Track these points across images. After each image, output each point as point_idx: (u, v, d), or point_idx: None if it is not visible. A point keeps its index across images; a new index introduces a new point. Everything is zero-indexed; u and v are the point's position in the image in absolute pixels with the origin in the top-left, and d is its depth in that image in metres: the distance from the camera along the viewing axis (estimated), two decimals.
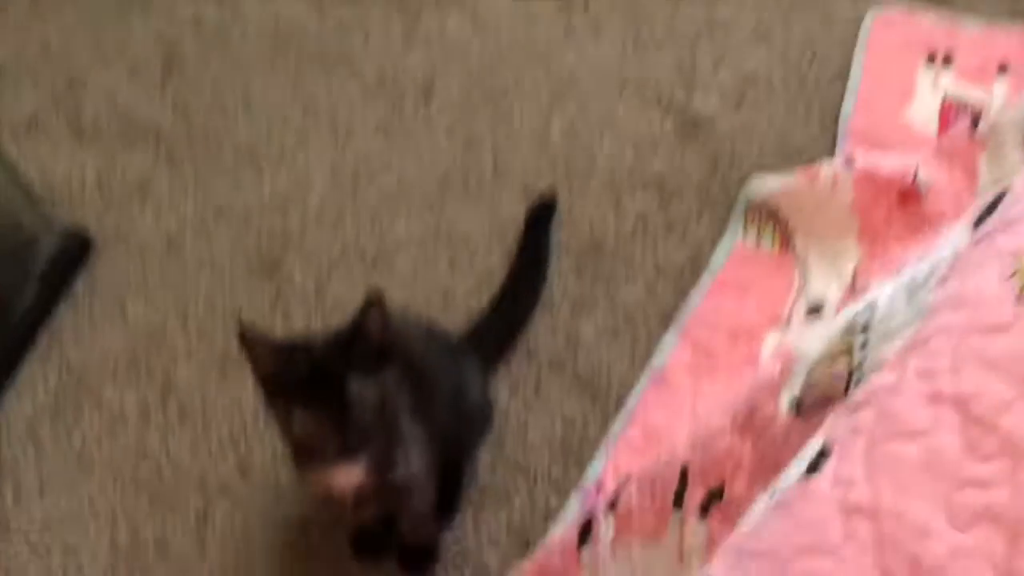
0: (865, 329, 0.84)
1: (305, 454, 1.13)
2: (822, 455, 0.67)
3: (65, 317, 1.58)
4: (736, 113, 1.70)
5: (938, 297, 0.74)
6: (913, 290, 0.82)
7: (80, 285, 1.61)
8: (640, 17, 1.85)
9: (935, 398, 0.65)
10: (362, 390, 1.05)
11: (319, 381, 1.05)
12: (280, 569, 1.31)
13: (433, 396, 1.22)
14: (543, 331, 1.49)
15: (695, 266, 1.53)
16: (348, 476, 1.12)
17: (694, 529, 0.94)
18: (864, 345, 0.82)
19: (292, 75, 1.86)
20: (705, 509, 0.94)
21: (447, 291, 1.55)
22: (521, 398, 1.43)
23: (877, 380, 0.69)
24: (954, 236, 0.85)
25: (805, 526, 0.62)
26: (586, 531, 1.09)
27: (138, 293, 1.60)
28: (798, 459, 0.71)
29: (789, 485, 0.67)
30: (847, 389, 0.80)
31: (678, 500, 0.98)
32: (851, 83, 1.69)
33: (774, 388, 0.92)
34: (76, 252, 1.62)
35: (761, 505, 0.70)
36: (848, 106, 1.66)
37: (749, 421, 0.93)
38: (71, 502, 1.40)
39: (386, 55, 1.87)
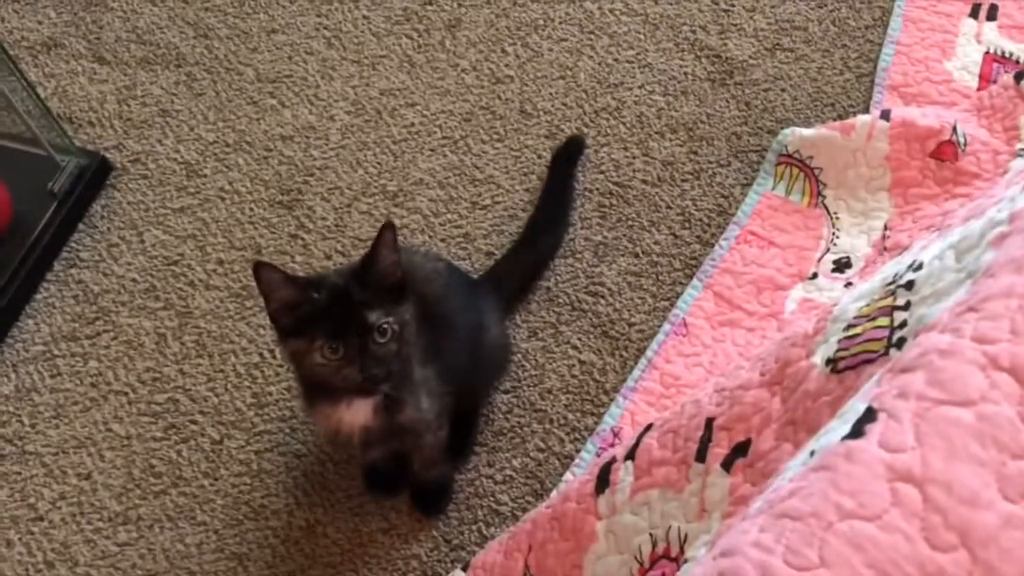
0: (909, 288, 0.82)
1: (316, 391, 1.12)
2: (868, 418, 0.65)
3: (83, 241, 1.57)
4: (771, 59, 1.66)
5: (997, 258, 0.71)
6: (963, 250, 0.79)
7: (98, 209, 1.60)
8: None
9: (992, 364, 0.63)
10: (381, 322, 1.05)
11: (336, 314, 1.04)
12: (294, 502, 1.32)
13: (449, 335, 1.21)
14: (565, 275, 1.47)
15: (722, 214, 1.51)
16: (357, 415, 1.11)
17: (716, 483, 0.93)
18: (907, 306, 0.80)
19: (317, 3, 1.82)
20: (729, 463, 0.93)
21: (468, 231, 1.52)
22: (540, 342, 1.42)
23: (928, 342, 0.67)
24: (1009, 195, 0.82)
25: (849, 490, 0.60)
26: (603, 478, 1.08)
27: (156, 219, 1.58)
28: (839, 419, 0.69)
29: (830, 446, 0.65)
30: (887, 350, 0.78)
31: (701, 453, 0.97)
32: (890, 32, 1.64)
33: (808, 344, 0.90)
34: (95, 175, 1.60)
35: (798, 463, 0.69)
36: (886, 56, 1.61)
37: (779, 376, 0.91)
38: (86, 427, 1.40)
39: None
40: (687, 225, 1.51)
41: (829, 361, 0.86)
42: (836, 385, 0.83)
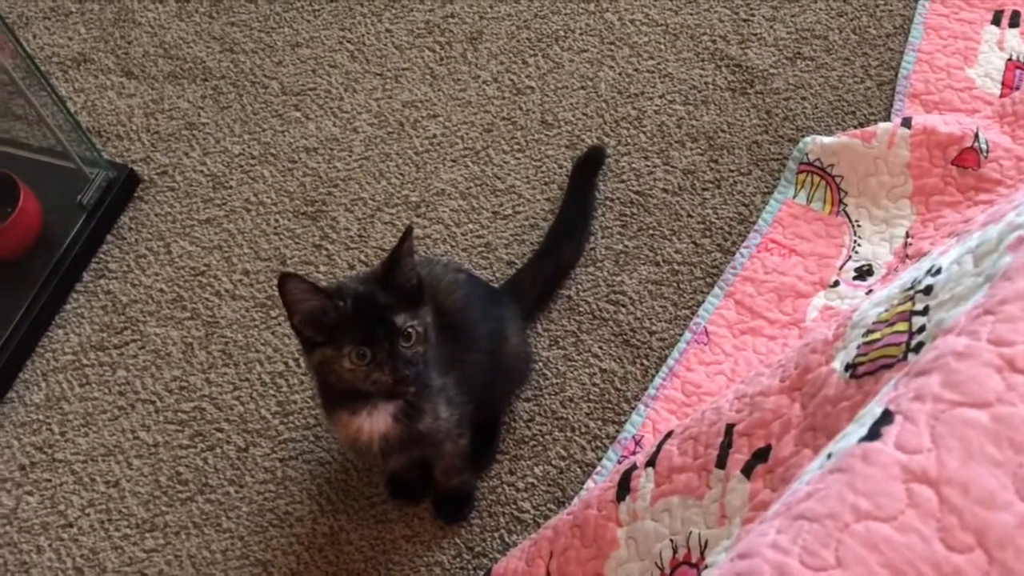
0: (928, 293, 0.82)
1: (336, 399, 1.14)
2: (884, 421, 0.65)
3: (111, 252, 1.59)
4: (791, 68, 1.66)
5: (1015, 262, 0.71)
6: (981, 255, 0.79)
7: (126, 221, 1.63)
8: None
9: (1008, 366, 0.63)
10: (407, 325, 1.06)
11: (364, 320, 1.05)
12: (318, 509, 1.33)
13: (470, 345, 1.22)
14: (586, 284, 1.48)
15: (742, 223, 1.51)
16: (377, 423, 1.12)
17: (736, 489, 0.93)
18: (926, 311, 0.80)
19: (341, 17, 1.84)
20: (749, 469, 0.93)
21: (489, 240, 1.54)
22: (561, 350, 1.42)
23: (944, 345, 0.67)
24: None
25: (866, 491, 0.61)
26: (624, 485, 1.09)
27: (183, 231, 1.61)
28: (856, 423, 0.69)
29: (847, 448, 0.65)
30: (906, 355, 0.78)
31: (721, 459, 0.97)
32: (911, 40, 1.64)
33: (827, 350, 0.90)
34: (123, 187, 1.63)
35: (815, 467, 0.69)
36: (908, 64, 1.61)
37: (799, 382, 0.92)
38: (114, 435, 1.42)
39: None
40: (708, 233, 1.51)
41: (848, 367, 0.86)
42: (855, 390, 0.83)
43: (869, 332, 0.87)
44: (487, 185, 1.60)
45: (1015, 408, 0.60)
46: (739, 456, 0.95)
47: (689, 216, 1.54)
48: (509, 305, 1.36)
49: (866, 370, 0.83)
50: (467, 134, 1.67)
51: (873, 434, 0.65)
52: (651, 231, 1.53)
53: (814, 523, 0.62)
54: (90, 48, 1.85)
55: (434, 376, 1.14)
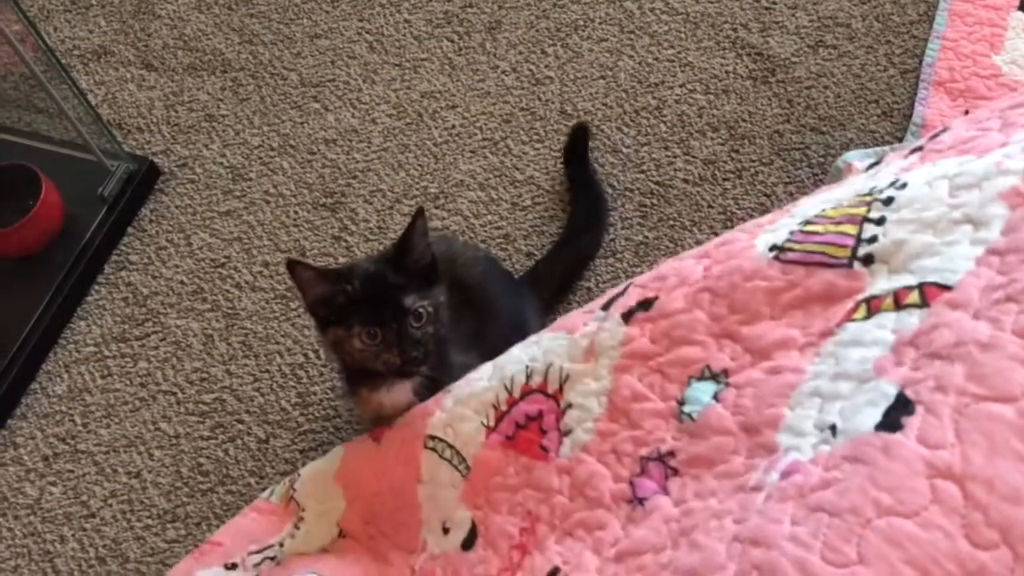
0: (887, 204, 0.80)
1: (357, 376, 1.14)
2: (904, 409, 0.64)
3: (132, 244, 1.60)
4: (813, 57, 1.64)
5: (1018, 228, 0.70)
6: (959, 186, 0.78)
7: (147, 213, 1.63)
8: None
9: None
10: (416, 305, 1.07)
11: (373, 301, 1.06)
12: None
13: (491, 319, 1.22)
14: (605, 275, 1.47)
15: (764, 214, 1.49)
16: (398, 397, 1.13)
17: (611, 329, 0.93)
18: (881, 221, 0.79)
19: (359, 8, 1.84)
20: (629, 315, 0.93)
21: (508, 232, 1.53)
22: None
23: (962, 328, 0.66)
24: (1018, 139, 0.80)
25: (887, 486, 0.60)
26: None
27: (203, 223, 1.61)
28: (865, 399, 0.68)
29: (864, 434, 0.64)
30: (851, 262, 0.78)
31: (607, 305, 0.98)
32: (936, 28, 1.62)
33: (755, 231, 0.90)
34: (143, 180, 1.64)
35: (825, 448, 0.68)
36: (932, 51, 1.59)
37: (712, 251, 0.92)
38: (136, 427, 1.43)
39: None
40: (729, 224, 1.50)
41: (774, 247, 0.86)
42: (778, 273, 0.82)
43: (808, 223, 0.85)
44: (506, 176, 1.60)
45: None
46: (625, 302, 0.94)
47: (710, 207, 1.52)
48: (528, 295, 1.36)
49: (796, 258, 0.82)
50: (486, 125, 1.66)
51: (893, 424, 0.64)
52: (672, 222, 1.52)
53: (835, 517, 0.61)
54: (110, 41, 1.85)
55: (453, 353, 1.15)
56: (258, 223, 1.60)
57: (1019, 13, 1.60)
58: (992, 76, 1.54)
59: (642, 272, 1.45)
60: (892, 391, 0.67)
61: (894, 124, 1.55)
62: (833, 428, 0.69)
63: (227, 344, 1.48)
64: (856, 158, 1.45)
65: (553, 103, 1.67)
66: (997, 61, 1.55)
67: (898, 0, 1.69)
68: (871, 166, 1.41)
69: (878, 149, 1.44)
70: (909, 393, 0.65)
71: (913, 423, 0.63)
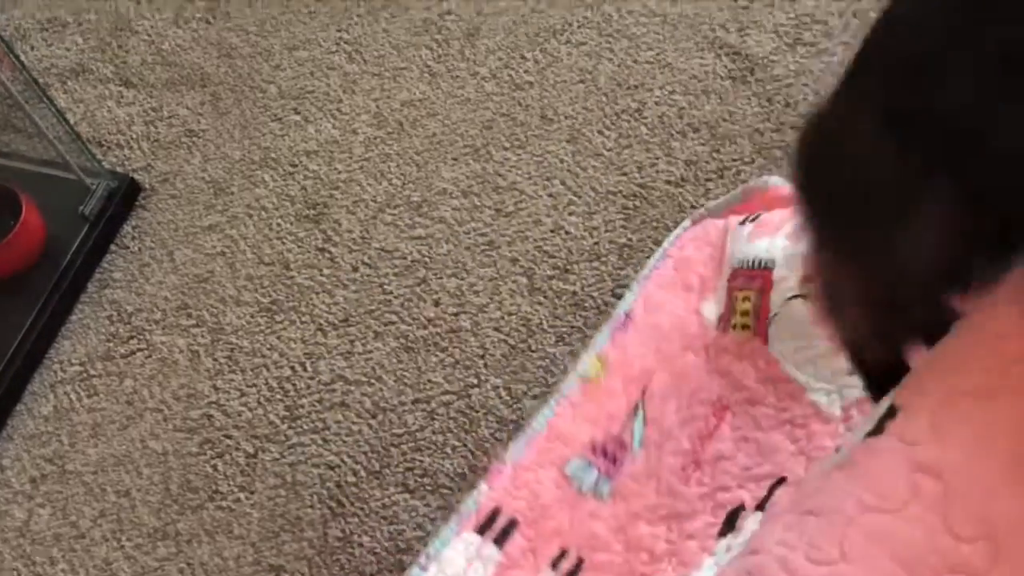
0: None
1: None
2: (889, 415, 0.64)
3: (115, 262, 1.60)
4: (791, 54, 1.65)
5: None
6: None
7: (129, 230, 1.63)
8: None
9: (1016, 361, 0.61)
10: None
11: None
12: (329, 513, 1.33)
13: None
14: (590, 279, 1.47)
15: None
16: None
17: None
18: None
19: (337, 18, 1.83)
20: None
21: (492, 238, 1.53)
22: (568, 346, 1.42)
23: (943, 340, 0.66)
24: None
25: (870, 484, 0.60)
26: None
27: (186, 238, 1.61)
28: (867, 417, 0.68)
29: (854, 443, 0.65)
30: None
31: None
32: None
33: None
34: (124, 197, 1.63)
35: (826, 464, 0.68)
36: None
37: None
38: (123, 445, 1.42)
39: None
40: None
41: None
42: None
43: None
44: (488, 183, 1.60)
45: (1017, 398, 0.59)
46: None
47: (693, 207, 1.52)
48: None
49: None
50: (467, 131, 1.66)
51: (878, 428, 0.64)
52: (655, 223, 1.52)
53: (820, 518, 0.61)
54: (88, 58, 1.85)
55: None
56: (241, 237, 1.59)
57: None
58: None
59: (626, 275, 1.46)
60: (886, 404, 0.67)
61: None
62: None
63: (213, 359, 1.48)
64: None
65: (534, 108, 1.67)
66: None
67: None
68: None
69: None
70: (896, 402, 0.65)
71: (895, 424, 0.63)
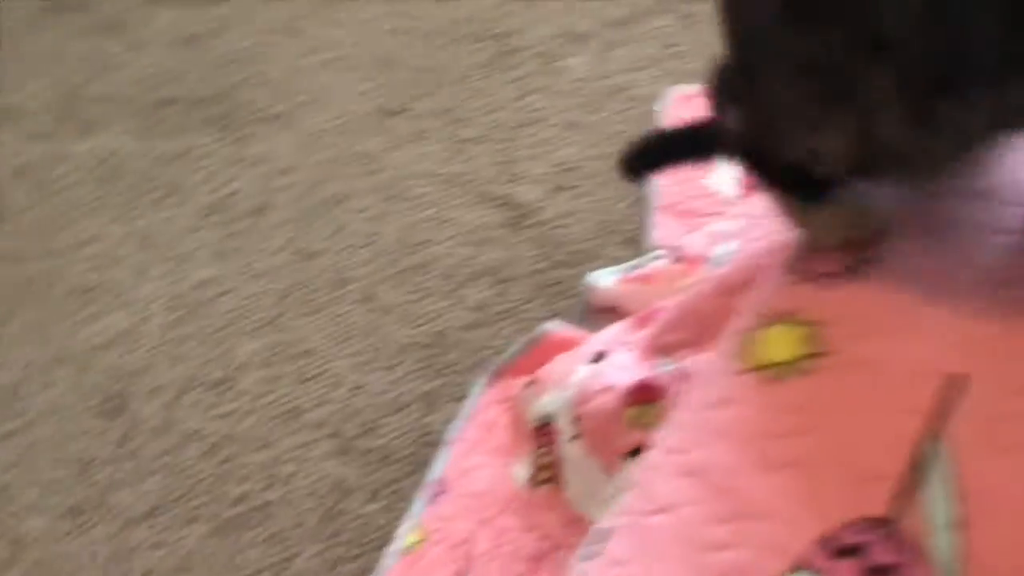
0: None
1: None
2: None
3: None
4: (556, 198, 1.80)
5: None
6: None
7: None
8: (459, 118, 1.94)
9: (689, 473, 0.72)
10: None
11: None
12: None
13: None
14: (398, 432, 1.52)
15: None
16: None
17: None
18: None
19: (123, 210, 1.87)
20: None
21: (296, 405, 1.56)
22: (381, 503, 1.45)
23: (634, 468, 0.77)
24: None
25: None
26: None
27: None
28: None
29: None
30: None
31: None
32: None
33: None
34: None
35: None
36: (655, 181, 1.77)
37: None
38: None
39: (216, 179, 1.91)
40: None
41: None
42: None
43: None
44: (288, 351, 1.64)
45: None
46: None
47: (486, 348, 1.61)
48: None
49: None
50: (262, 304, 1.71)
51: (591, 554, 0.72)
52: (453, 369, 1.59)
53: None
54: None
55: None
56: (38, 440, 1.56)
57: None
58: (708, 196, 1.73)
59: (430, 423, 1.52)
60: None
61: (636, 250, 1.70)
62: None
63: (15, 569, 1.42)
64: (599, 279, 1.60)
65: (326, 273, 1.74)
66: (710, 181, 1.75)
67: (624, 138, 1.87)
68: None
69: (612, 268, 1.59)
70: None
71: (608, 549, 0.71)
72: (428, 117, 1.96)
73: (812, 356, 0.72)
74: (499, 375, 1.53)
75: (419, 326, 1.65)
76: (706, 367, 0.82)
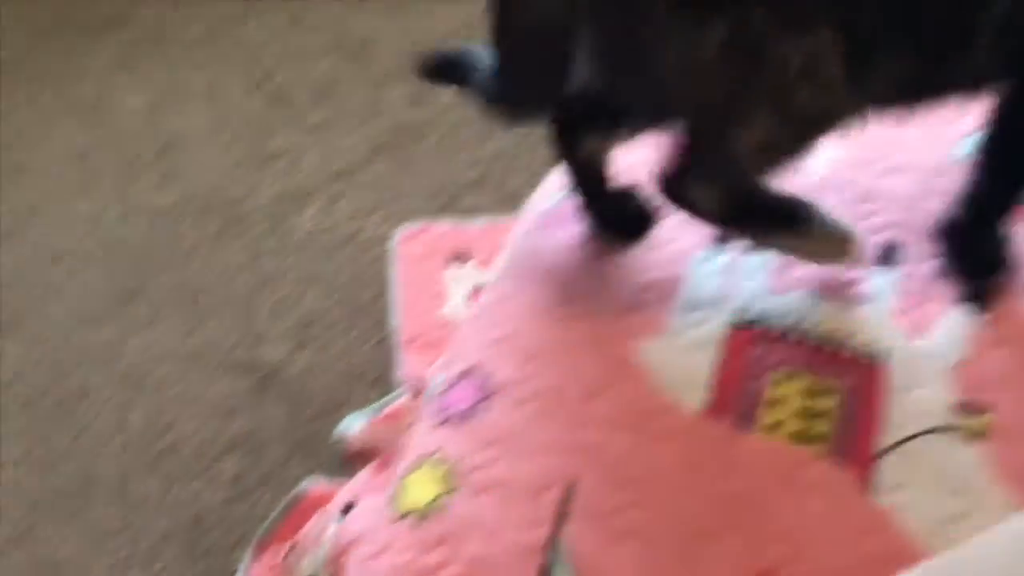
0: None
1: None
2: None
3: None
4: (301, 354, 1.83)
5: None
6: None
7: None
8: (193, 291, 1.94)
9: None
10: None
11: None
12: None
13: None
14: None
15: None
16: None
17: None
18: None
19: None
20: None
21: None
22: None
23: None
24: None
25: None
26: None
27: None
28: None
29: None
30: None
31: None
32: (393, 297, 1.87)
33: None
34: None
35: None
36: (396, 318, 1.83)
37: None
38: None
39: None
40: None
41: None
42: None
43: None
44: (41, 565, 1.58)
45: None
46: None
47: (247, 520, 1.59)
48: None
49: None
50: (9, 518, 1.64)
51: None
52: (216, 550, 1.57)
53: None
54: None
55: None
56: None
57: (451, 270, 1.91)
58: (447, 326, 1.80)
59: None
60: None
61: (385, 389, 1.74)
62: None
63: None
64: (350, 425, 1.62)
65: (75, 476, 1.69)
66: (446, 311, 1.83)
67: (360, 282, 1.94)
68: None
69: (360, 411, 1.62)
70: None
71: None
72: (163, 295, 1.95)
73: (448, 492, 0.78)
74: (263, 546, 1.52)
75: (175, 514, 1.62)
76: (372, 516, 0.86)
